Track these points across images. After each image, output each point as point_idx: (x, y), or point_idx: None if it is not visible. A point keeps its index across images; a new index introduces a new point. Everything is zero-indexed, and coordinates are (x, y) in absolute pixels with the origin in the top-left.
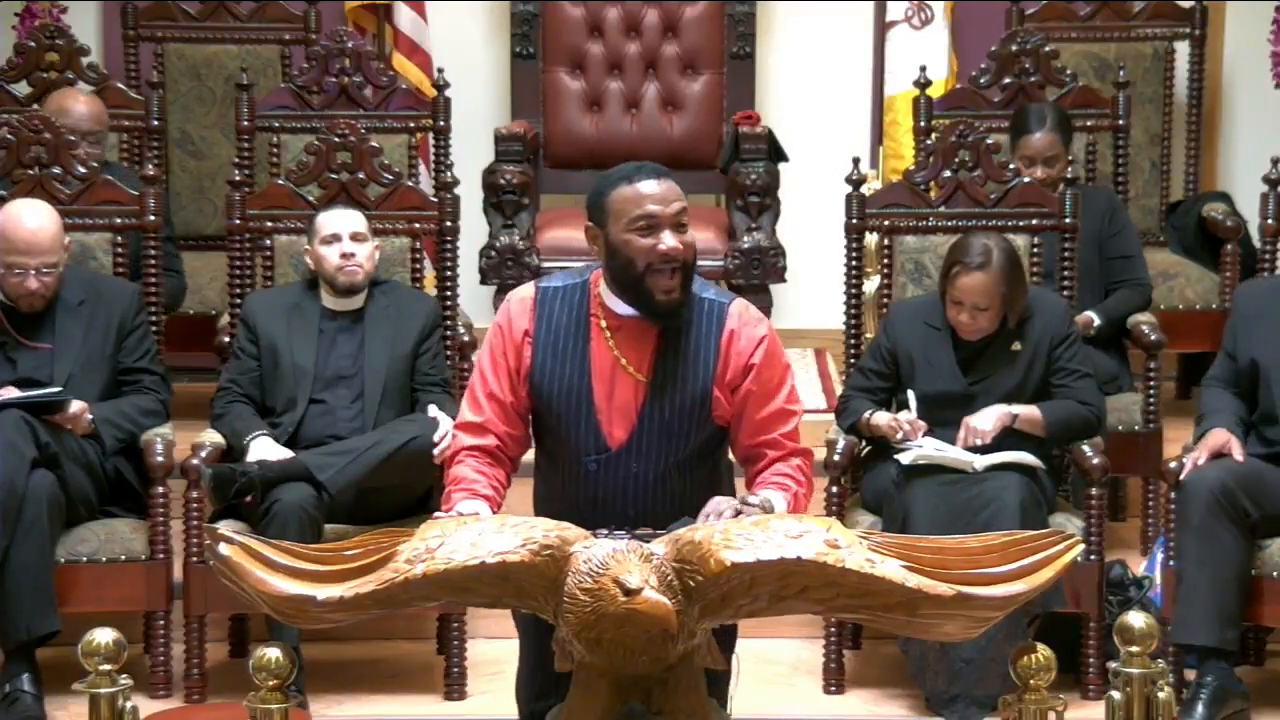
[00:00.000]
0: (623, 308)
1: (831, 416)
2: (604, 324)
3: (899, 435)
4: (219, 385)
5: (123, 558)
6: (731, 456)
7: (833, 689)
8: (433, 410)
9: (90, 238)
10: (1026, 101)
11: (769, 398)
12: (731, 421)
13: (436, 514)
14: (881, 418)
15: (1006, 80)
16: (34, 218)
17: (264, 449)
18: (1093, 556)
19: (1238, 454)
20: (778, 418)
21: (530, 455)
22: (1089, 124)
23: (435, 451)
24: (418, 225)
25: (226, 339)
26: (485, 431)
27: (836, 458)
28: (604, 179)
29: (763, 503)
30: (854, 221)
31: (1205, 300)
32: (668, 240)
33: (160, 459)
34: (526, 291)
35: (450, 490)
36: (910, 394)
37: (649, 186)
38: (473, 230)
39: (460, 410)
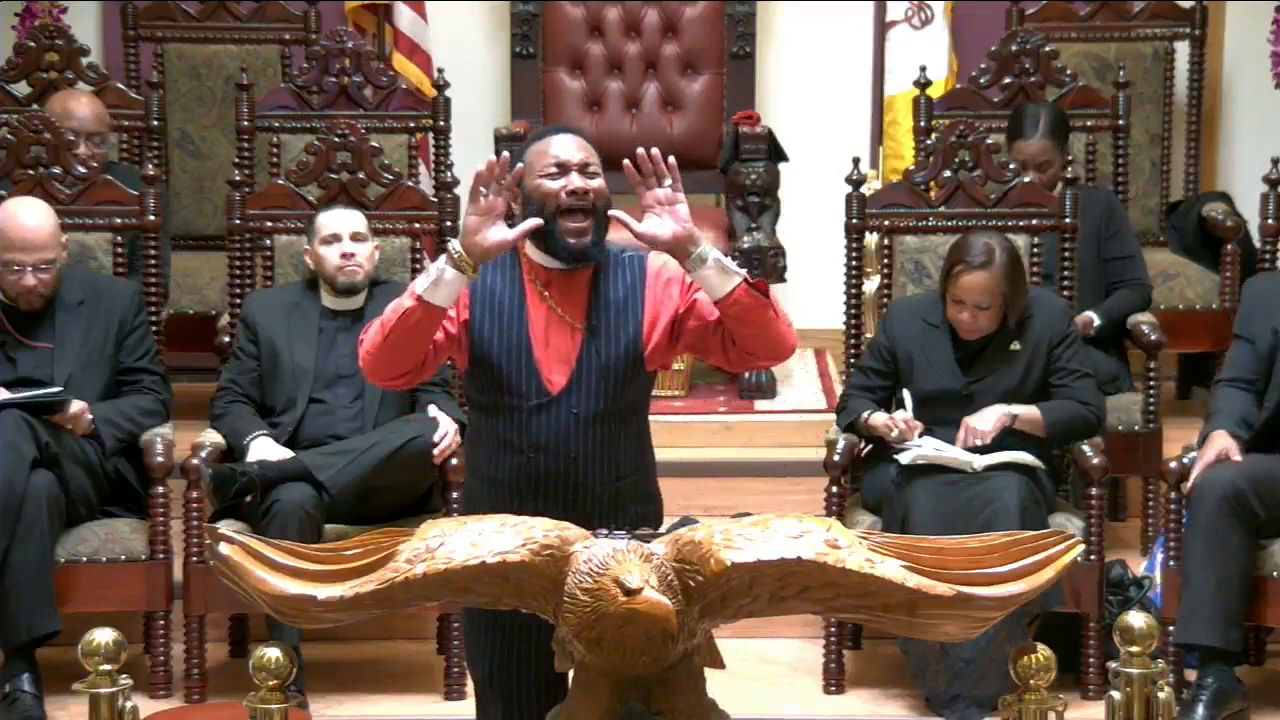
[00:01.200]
0: (549, 261)
1: (832, 416)
2: (535, 279)
3: (894, 434)
4: (219, 385)
5: (123, 558)
6: (727, 366)
7: (833, 689)
8: (433, 410)
9: (90, 238)
10: (1027, 101)
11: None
12: (707, 339)
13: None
14: (879, 418)
15: (1006, 80)
16: (30, 215)
17: (264, 449)
18: (1093, 556)
19: (1235, 457)
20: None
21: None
22: (1089, 124)
23: (435, 451)
24: (418, 225)
25: (226, 339)
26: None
27: (836, 458)
28: (521, 145)
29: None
30: (854, 221)
31: (1205, 300)
32: (574, 180)
33: (160, 459)
34: None
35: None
36: (906, 393)
37: (559, 139)
38: None
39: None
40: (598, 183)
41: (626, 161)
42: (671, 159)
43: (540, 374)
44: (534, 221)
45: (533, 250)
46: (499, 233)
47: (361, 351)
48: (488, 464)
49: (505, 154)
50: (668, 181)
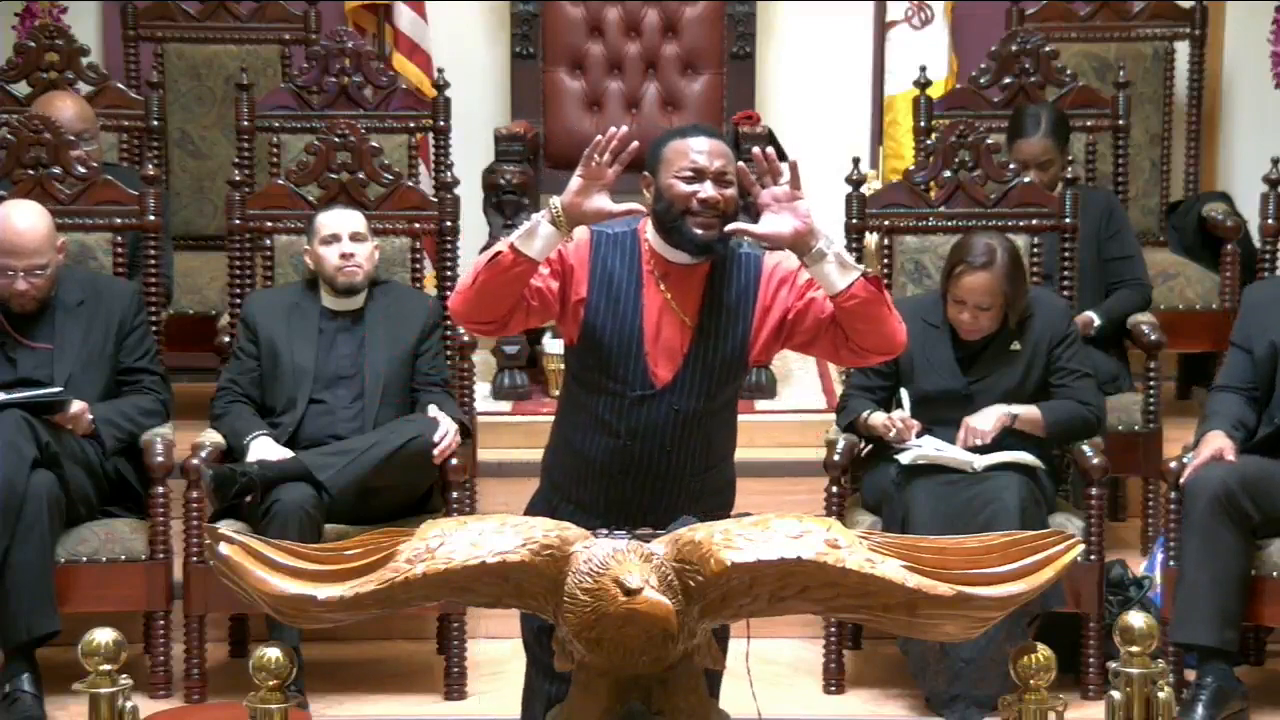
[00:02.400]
0: (670, 253)
1: (832, 416)
2: (653, 269)
3: (891, 434)
4: (219, 385)
5: (123, 558)
6: (836, 361)
7: (833, 689)
8: (433, 410)
9: (90, 238)
10: (1027, 101)
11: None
12: (820, 337)
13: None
14: (877, 417)
15: (1006, 80)
16: (24, 219)
17: (264, 449)
18: (1093, 556)
19: (1230, 457)
20: None
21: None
22: (1089, 124)
23: (435, 451)
24: (418, 225)
25: (226, 339)
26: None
27: (836, 458)
28: (664, 135)
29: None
30: (854, 221)
31: (1205, 300)
32: (708, 189)
33: (160, 459)
34: (581, 234)
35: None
36: (904, 392)
37: (698, 142)
38: (473, 230)
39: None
40: (730, 191)
41: (741, 164)
42: (793, 158)
43: (648, 366)
44: (636, 206)
45: (654, 240)
46: (601, 201)
47: (453, 295)
48: (582, 439)
49: (625, 128)
50: (784, 179)
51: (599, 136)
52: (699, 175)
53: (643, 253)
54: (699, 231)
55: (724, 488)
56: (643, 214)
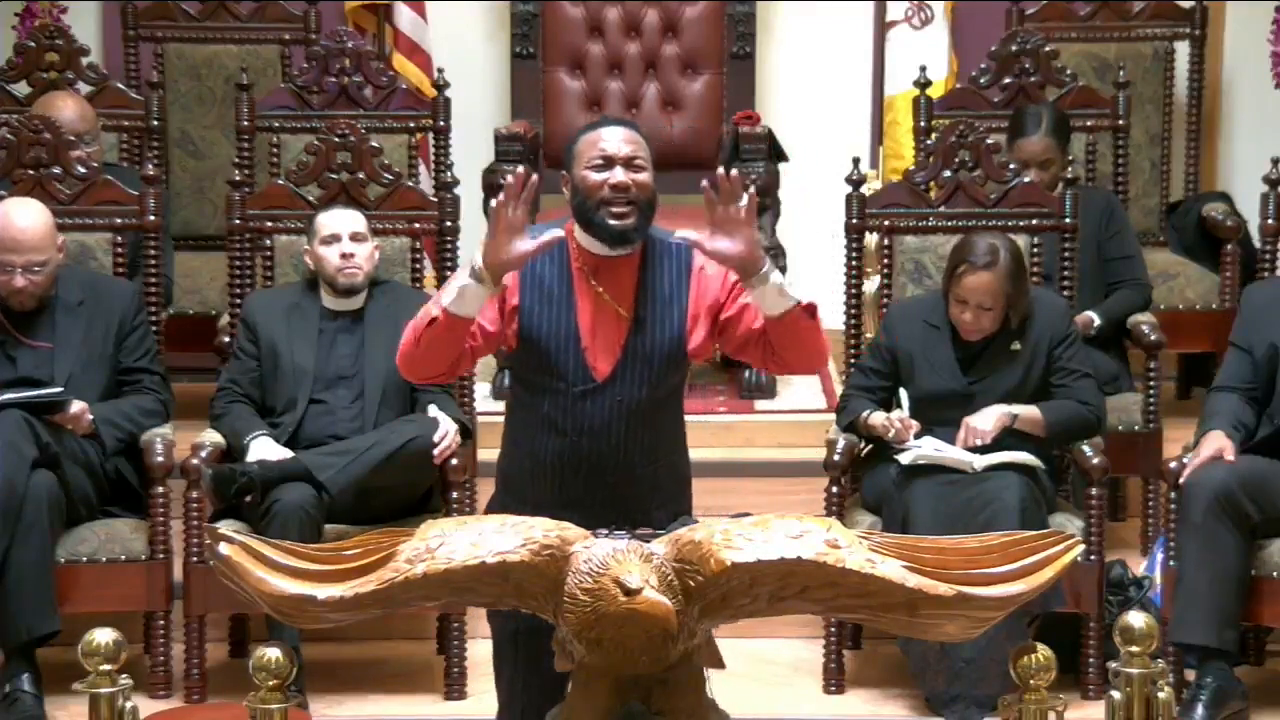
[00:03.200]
0: (597, 246)
1: (832, 416)
2: (583, 266)
3: (890, 434)
4: (219, 385)
5: (123, 558)
6: (760, 369)
7: (833, 689)
8: (433, 410)
9: (90, 238)
10: (1027, 101)
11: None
12: (748, 345)
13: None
14: (877, 417)
15: (1006, 80)
16: (24, 216)
17: (264, 449)
18: (1093, 556)
19: (1229, 456)
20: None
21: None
22: (1089, 124)
23: (435, 452)
24: (418, 225)
25: (226, 339)
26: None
27: (836, 458)
28: (575, 133)
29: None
30: (854, 221)
31: (1205, 300)
32: (618, 174)
33: (160, 459)
34: None
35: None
36: (903, 392)
37: (606, 131)
38: (473, 230)
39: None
40: (643, 176)
41: (705, 182)
42: (753, 190)
43: (587, 361)
44: (555, 234)
45: (580, 236)
46: (520, 245)
47: (398, 355)
48: (530, 440)
49: (521, 169)
50: (742, 202)
51: (502, 194)
52: (609, 163)
53: (571, 251)
54: (613, 222)
55: (679, 485)
56: (560, 238)
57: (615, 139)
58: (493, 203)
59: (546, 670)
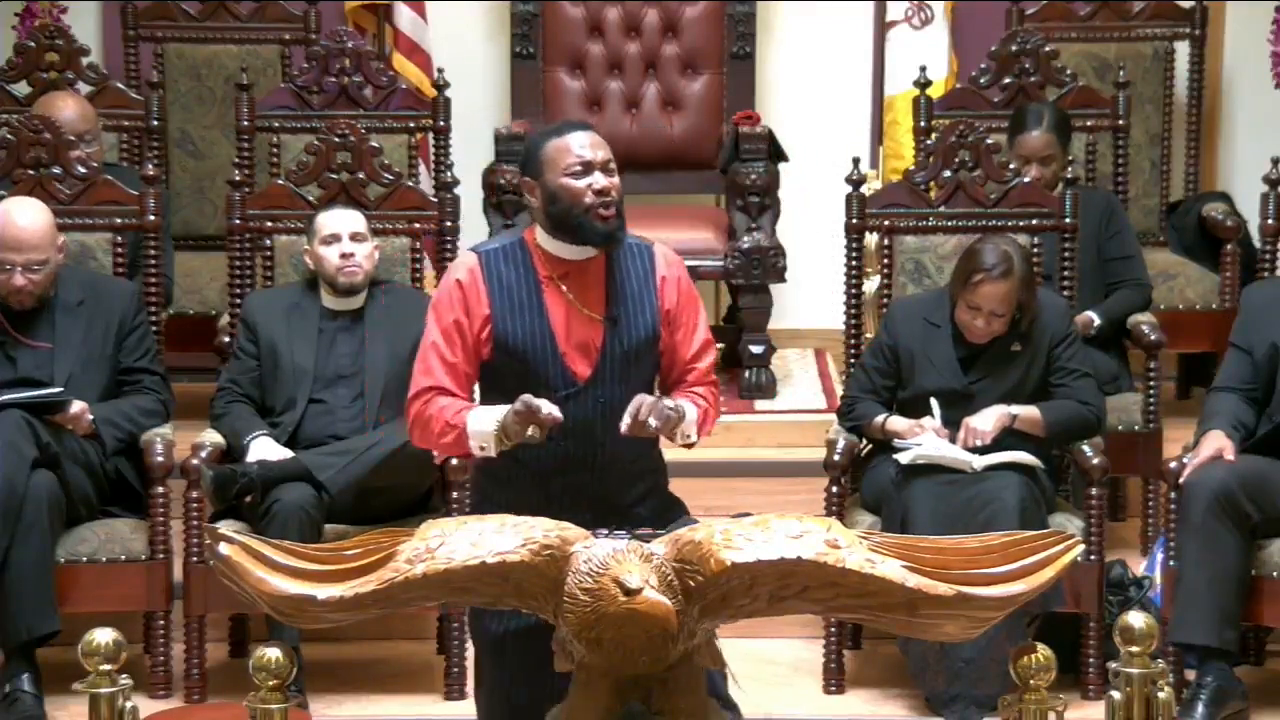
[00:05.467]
0: (565, 251)
1: (831, 416)
2: (550, 272)
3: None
4: (219, 385)
5: (123, 558)
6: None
7: (833, 689)
8: None
9: (90, 238)
10: (1026, 101)
11: (691, 334)
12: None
13: (447, 419)
14: (898, 423)
15: (1006, 80)
16: (24, 215)
17: (264, 449)
18: (1093, 556)
19: (1229, 456)
20: (703, 351)
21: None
22: (1089, 124)
23: (435, 451)
24: (418, 225)
25: (226, 339)
26: (442, 388)
27: (836, 458)
28: (536, 136)
29: (677, 406)
30: (854, 221)
31: (1205, 300)
32: (600, 179)
33: (160, 459)
34: (469, 261)
35: (447, 416)
36: (934, 402)
37: (578, 137)
38: (473, 230)
39: (413, 379)
40: (617, 179)
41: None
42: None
43: (566, 365)
44: (556, 416)
45: (546, 241)
46: (534, 430)
47: (413, 433)
48: (511, 449)
49: (556, 413)
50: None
51: (543, 415)
52: (588, 168)
53: (535, 258)
54: (601, 223)
55: (658, 475)
56: (556, 419)
57: (588, 144)
58: (542, 410)
59: (540, 671)
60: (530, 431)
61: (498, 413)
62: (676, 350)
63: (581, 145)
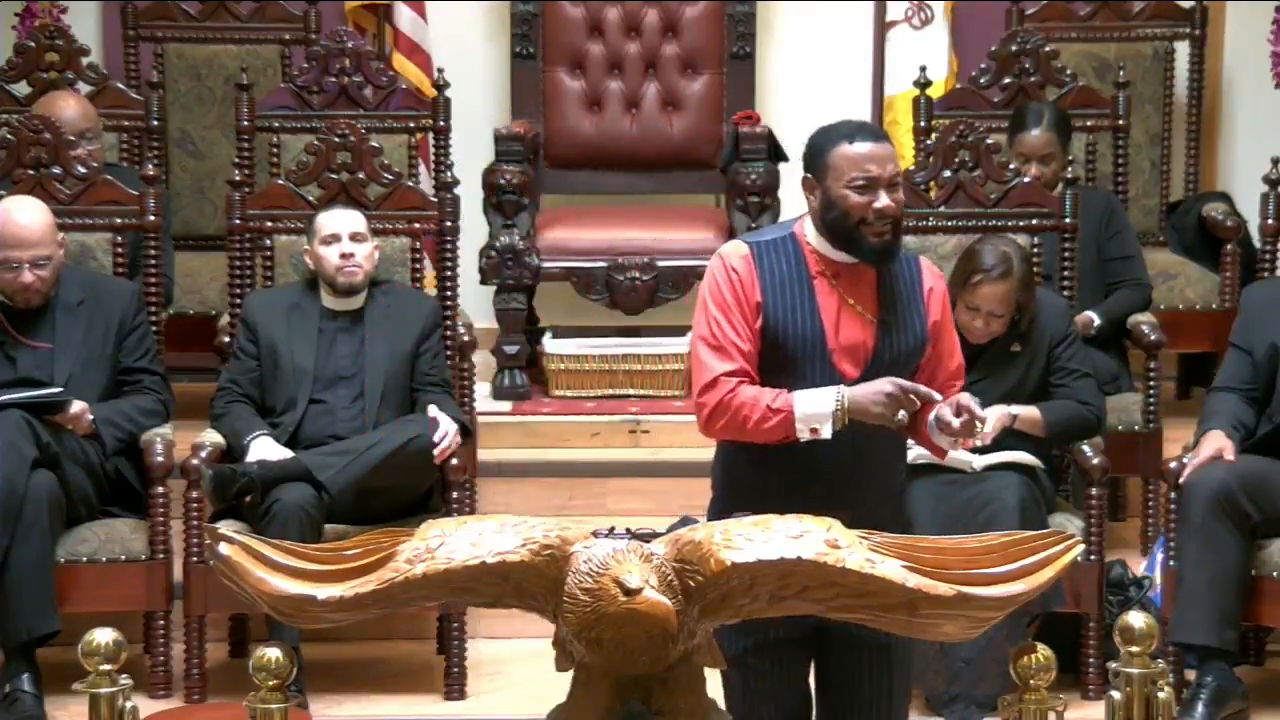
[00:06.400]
0: (836, 254)
1: None
2: (822, 270)
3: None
4: (219, 385)
5: (123, 558)
6: None
7: None
8: (433, 410)
9: (90, 238)
10: (1026, 101)
11: (954, 347)
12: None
13: (769, 406)
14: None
15: (1006, 80)
16: (25, 212)
17: (264, 449)
18: (1093, 556)
19: (1229, 456)
20: (961, 366)
21: None
22: (1089, 124)
23: (435, 451)
24: (418, 225)
25: (226, 339)
26: (744, 371)
27: None
28: (824, 134)
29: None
30: None
31: (1205, 300)
32: (883, 199)
33: (160, 459)
34: (741, 250)
35: (766, 401)
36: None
37: (868, 148)
38: (473, 230)
39: (702, 367)
40: (900, 194)
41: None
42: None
43: (833, 364)
44: (917, 406)
45: (818, 242)
46: (904, 414)
47: (713, 422)
48: (762, 444)
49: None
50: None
51: (908, 394)
52: (873, 184)
53: (806, 255)
54: (876, 241)
55: (898, 464)
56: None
57: (880, 160)
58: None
59: (784, 688)
60: (900, 415)
61: (832, 394)
62: (940, 361)
63: (871, 159)
